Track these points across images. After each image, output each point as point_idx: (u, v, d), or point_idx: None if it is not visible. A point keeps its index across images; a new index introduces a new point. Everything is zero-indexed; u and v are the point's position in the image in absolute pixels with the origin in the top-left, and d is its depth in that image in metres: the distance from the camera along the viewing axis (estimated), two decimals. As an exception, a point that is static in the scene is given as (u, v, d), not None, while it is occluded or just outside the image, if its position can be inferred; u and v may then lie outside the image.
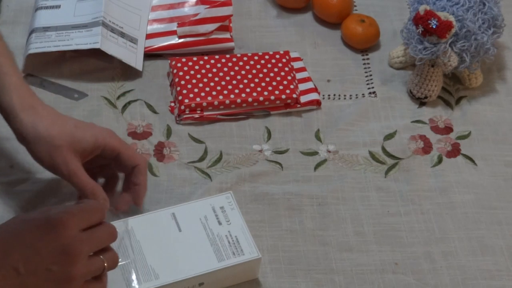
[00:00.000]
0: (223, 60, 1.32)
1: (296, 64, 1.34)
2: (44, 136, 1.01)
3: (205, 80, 1.29)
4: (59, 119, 1.04)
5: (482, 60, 1.32)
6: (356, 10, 1.47)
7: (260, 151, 1.24)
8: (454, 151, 1.27)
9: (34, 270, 0.84)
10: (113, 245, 0.96)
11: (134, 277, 1.01)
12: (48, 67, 1.32)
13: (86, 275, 0.89)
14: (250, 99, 1.27)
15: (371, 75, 1.36)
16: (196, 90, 1.27)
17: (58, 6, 1.35)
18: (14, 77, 1.04)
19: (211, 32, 1.36)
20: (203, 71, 1.30)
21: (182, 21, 1.37)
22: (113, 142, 1.06)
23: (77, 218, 0.89)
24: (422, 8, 1.23)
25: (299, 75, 1.33)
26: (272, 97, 1.28)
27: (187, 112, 1.26)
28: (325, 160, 1.24)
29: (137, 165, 1.08)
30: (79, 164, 1.04)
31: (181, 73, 1.29)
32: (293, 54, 1.36)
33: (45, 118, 1.03)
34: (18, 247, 0.85)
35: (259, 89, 1.28)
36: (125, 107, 1.28)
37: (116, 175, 1.13)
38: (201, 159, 1.22)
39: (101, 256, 0.90)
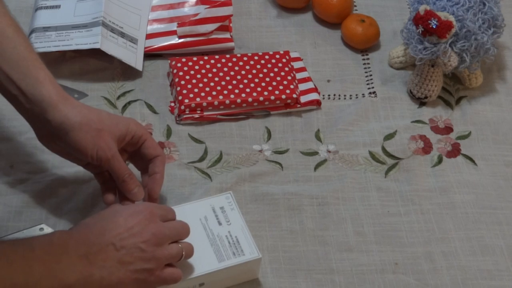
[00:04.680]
0: (223, 60, 1.32)
1: (296, 64, 1.34)
2: (86, 122, 1.05)
3: (205, 80, 1.29)
4: (92, 108, 1.08)
5: (482, 60, 1.32)
6: (356, 10, 1.47)
7: (260, 151, 1.24)
8: (454, 151, 1.27)
9: (129, 247, 0.96)
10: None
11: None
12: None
13: (168, 257, 0.99)
14: (250, 99, 1.27)
15: (371, 75, 1.36)
16: (196, 90, 1.27)
17: (58, 6, 1.35)
18: (46, 70, 1.07)
19: (211, 32, 1.36)
20: (203, 71, 1.30)
21: (182, 21, 1.37)
22: (141, 129, 1.10)
23: (160, 211, 1.01)
24: (422, 8, 1.23)
25: (299, 75, 1.33)
26: (272, 97, 1.28)
27: (187, 112, 1.26)
28: (325, 160, 1.24)
29: (158, 155, 1.10)
30: (117, 149, 1.07)
31: (181, 73, 1.29)
32: (293, 54, 1.36)
33: (82, 107, 1.06)
34: (114, 228, 0.97)
35: (259, 89, 1.28)
36: (125, 107, 1.28)
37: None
38: (201, 159, 1.23)
39: (180, 245, 1.00)
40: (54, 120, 1.04)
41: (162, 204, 1.08)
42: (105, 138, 1.05)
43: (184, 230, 1.02)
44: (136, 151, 1.11)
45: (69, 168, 1.17)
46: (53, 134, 1.06)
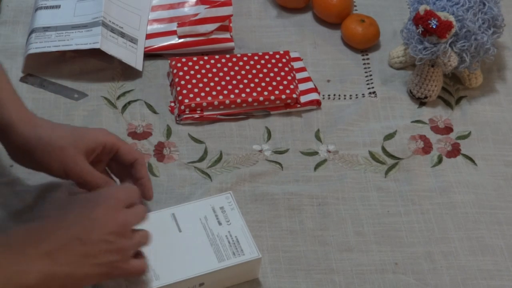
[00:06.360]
0: (223, 60, 1.32)
1: (296, 64, 1.34)
2: (49, 142, 1.04)
3: (205, 80, 1.29)
4: (57, 125, 1.07)
5: (482, 60, 1.32)
6: (356, 10, 1.47)
7: (260, 151, 1.24)
8: (454, 151, 1.27)
9: (95, 240, 0.92)
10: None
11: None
12: (48, 67, 1.32)
13: (133, 246, 0.96)
14: (250, 99, 1.27)
15: (371, 75, 1.36)
16: (196, 90, 1.27)
17: (58, 6, 1.35)
18: (10, 91, 1.06)
19: (211, 32, 1.36)
20: (203, 71, 1.30)
21: (182, 21, 1.37)
22: (112, 138, 1.09)
23: (125, 195, 0.97)
24: (422, 8, 1.23)
25: (299, 75, 1.33)
26: (272, 97, 1.28)
27: (187, 112, 1.26)
28: (325, 160, 1.24)
29: (136, 159, 1.09)
30: (87, 162, 1.05)
31: (181, 73, 1.29)
32: (293, 54, 1.36)
33: (45, 127, 1.05)
34: (79, 220, 0.93)
35: (259, 89, 1.28)
36: (125, 107, 1.28)
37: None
38: (201, 159, 1.23)
39: (140, 232, 0.98)
40: (15, 141, 1.04)
41: (126, 184, 1.06)
42: (69, 155, 1.04)
43: (144, 213, 0.98)
44: (114, 159, 1.10)
45: (69, 168, 1.18)
46: (21, 154, 1.06)
